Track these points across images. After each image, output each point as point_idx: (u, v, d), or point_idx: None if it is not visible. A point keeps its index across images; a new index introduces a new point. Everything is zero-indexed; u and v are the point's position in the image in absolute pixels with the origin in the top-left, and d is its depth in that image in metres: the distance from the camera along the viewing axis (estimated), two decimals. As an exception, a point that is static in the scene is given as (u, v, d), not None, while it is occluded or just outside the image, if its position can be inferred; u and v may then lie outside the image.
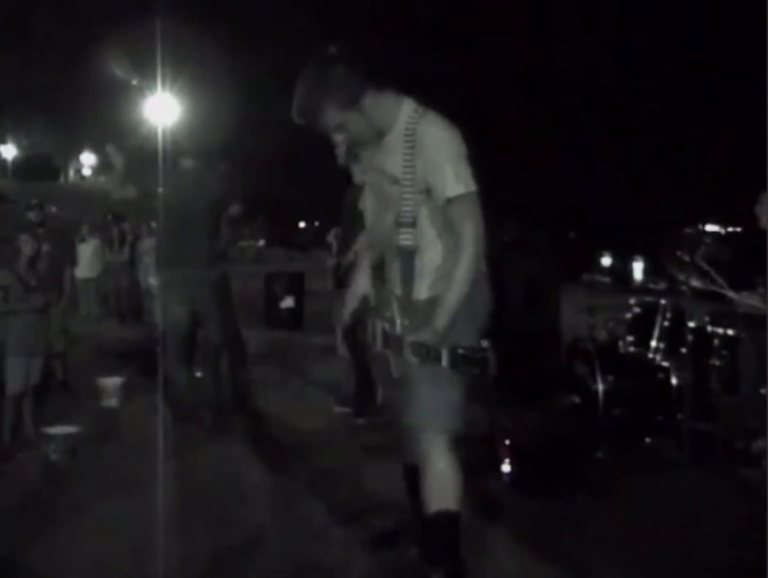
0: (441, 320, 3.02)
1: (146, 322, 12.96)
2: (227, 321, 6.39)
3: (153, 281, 12.60)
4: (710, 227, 5.60)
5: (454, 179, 3.05)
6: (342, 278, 6.30)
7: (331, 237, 6.49)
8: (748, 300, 5.76)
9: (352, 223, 6.32)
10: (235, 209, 6.56)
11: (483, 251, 3.12)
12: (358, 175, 6.19)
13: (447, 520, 3.19)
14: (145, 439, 5.82)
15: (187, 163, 6.36)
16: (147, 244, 13.93)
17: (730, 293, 5.83)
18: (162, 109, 18.25)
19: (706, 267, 5.69)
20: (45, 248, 6.81)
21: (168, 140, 6.39)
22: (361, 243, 6.12)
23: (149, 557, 3.71)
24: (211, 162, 6.68)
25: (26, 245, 5.98)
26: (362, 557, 3.82)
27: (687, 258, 5.59)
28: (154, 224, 13.09)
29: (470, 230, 3.07)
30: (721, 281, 5.64)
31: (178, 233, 6.01)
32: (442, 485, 3.19)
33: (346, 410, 6.50)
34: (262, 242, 39.85)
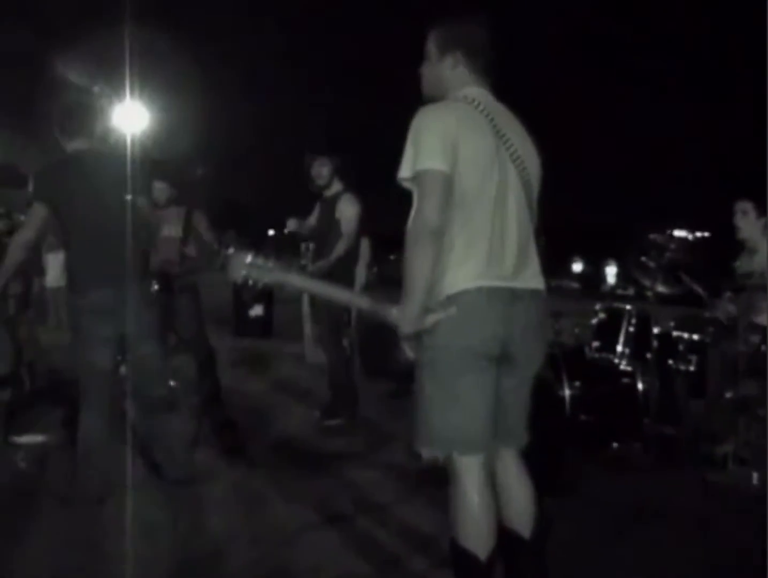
0: None
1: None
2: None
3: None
4: (678, 233, 5.65)
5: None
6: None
7: (293, 225, 6.47)
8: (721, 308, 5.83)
9: (327, 231, 6.35)
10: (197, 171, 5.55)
11: None
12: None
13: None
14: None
15: (80, 144, 4.54)
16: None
17: (705, 295, 5.91)
18: (131, 117, 18.14)
19: (685, 278, 5.77)
20: None
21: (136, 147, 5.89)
22: (338, 251, 6.17)
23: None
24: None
25: None
26: (332, 562, 3.84)
27: (652, 264, 5.66)
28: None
29: None
30: (696, 286, 5.73)
31: (101, 241, 4.41)
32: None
33: (334, 421, 6.44)
34: (231, 250, 39.73)
